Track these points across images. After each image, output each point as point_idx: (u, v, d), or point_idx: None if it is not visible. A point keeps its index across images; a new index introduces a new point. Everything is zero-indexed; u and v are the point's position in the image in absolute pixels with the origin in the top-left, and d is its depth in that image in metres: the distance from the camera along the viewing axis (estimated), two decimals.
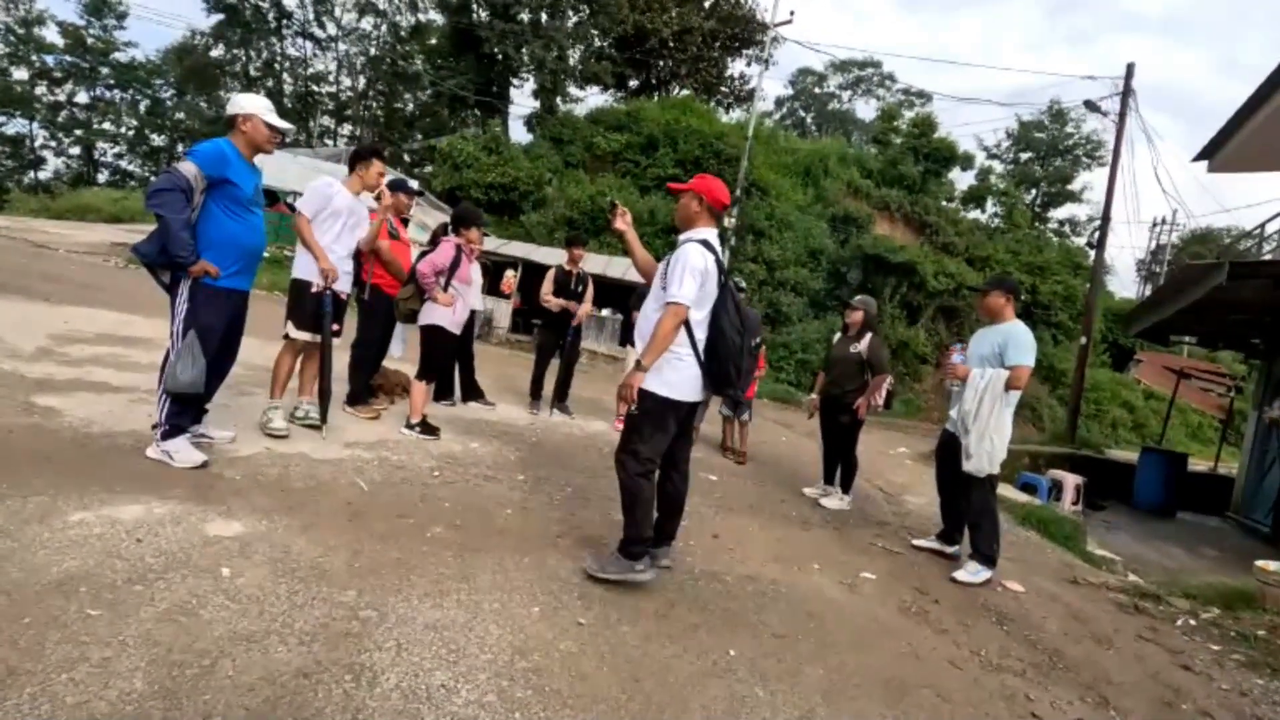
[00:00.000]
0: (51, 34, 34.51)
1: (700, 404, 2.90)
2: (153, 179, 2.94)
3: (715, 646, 2.41)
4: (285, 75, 35.40)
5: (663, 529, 2.95)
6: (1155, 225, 34.24)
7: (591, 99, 25.59)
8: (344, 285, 4.06)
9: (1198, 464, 12.90)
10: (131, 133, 37.64)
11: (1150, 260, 35.87)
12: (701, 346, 2.74)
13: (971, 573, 3.72)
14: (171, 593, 2.03)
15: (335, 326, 3.93)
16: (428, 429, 4.48)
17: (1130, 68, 13.86)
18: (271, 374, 3.84)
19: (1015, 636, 3.11)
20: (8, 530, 2.19)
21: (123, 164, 38.61)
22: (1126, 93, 13.81)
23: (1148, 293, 26.93)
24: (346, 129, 36.56)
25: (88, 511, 2.44)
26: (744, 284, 6.52)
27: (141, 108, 37.69)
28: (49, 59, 34.80)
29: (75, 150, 37.17)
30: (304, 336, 3.84)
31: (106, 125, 37.10)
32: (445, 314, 4.48)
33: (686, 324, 2.71)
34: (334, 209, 3.86)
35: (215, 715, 1.56)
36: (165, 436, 3.05)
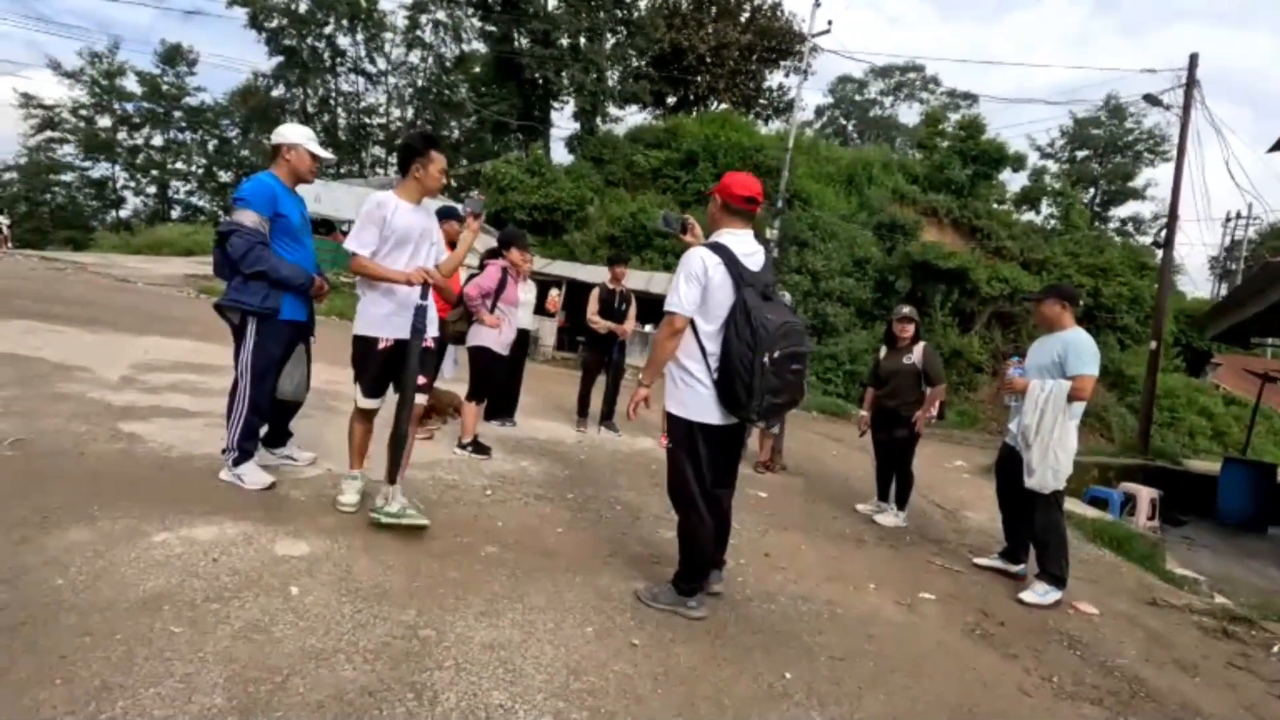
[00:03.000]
0: (130, 83, 37.35)
1: (740, 425, 2.66)
2: (231, 244, 3.13)
3: (771, 669, 2.37)
4: (339, 110, 37.23)
5: (717, 554, 2.88)
6: (1228, 220, 32.30)
7: (631, 118, 25.97)
8: (433, 330, 3.23)
9: None
10: (201, 170, 40.20)
11: (1224, 258, 33.79)
12: (715, 363, 2.52)
13: (1040, 594, 3.55)
14: (245, 611, 2.13)
15: (422, 379, 3.08)
16: (479, 448, 4.58)
17: (1193, 58, 13.21)
18: (348, 442, 3.24)
19: (1090, 662, 2.94)
20: (100, 550, 2.35)
21: (194, 200, 41.24)
22: (1190, 84, 13.16)
23: (1223, 292, 25.36)
24: (396, 157, 38.08)
25: (169, 532, 2.59)
26: (788, 296, 6.45)
27: (210, 147, 40.25)
28: (129, 106, 37.63)
29: (151, 189, 39.91)
30: (373, 404, 3.13)
31: (179, 165, 39.75)
32: (491, 335, 4.60)
33: (697, 338, 2.54)
34: (396, 233, 2.95)
35: None
36: (236, 462, 3.24)
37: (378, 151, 37.44)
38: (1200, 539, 8.27)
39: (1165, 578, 4.74)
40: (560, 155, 24.05)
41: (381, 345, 3.01)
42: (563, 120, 26.00)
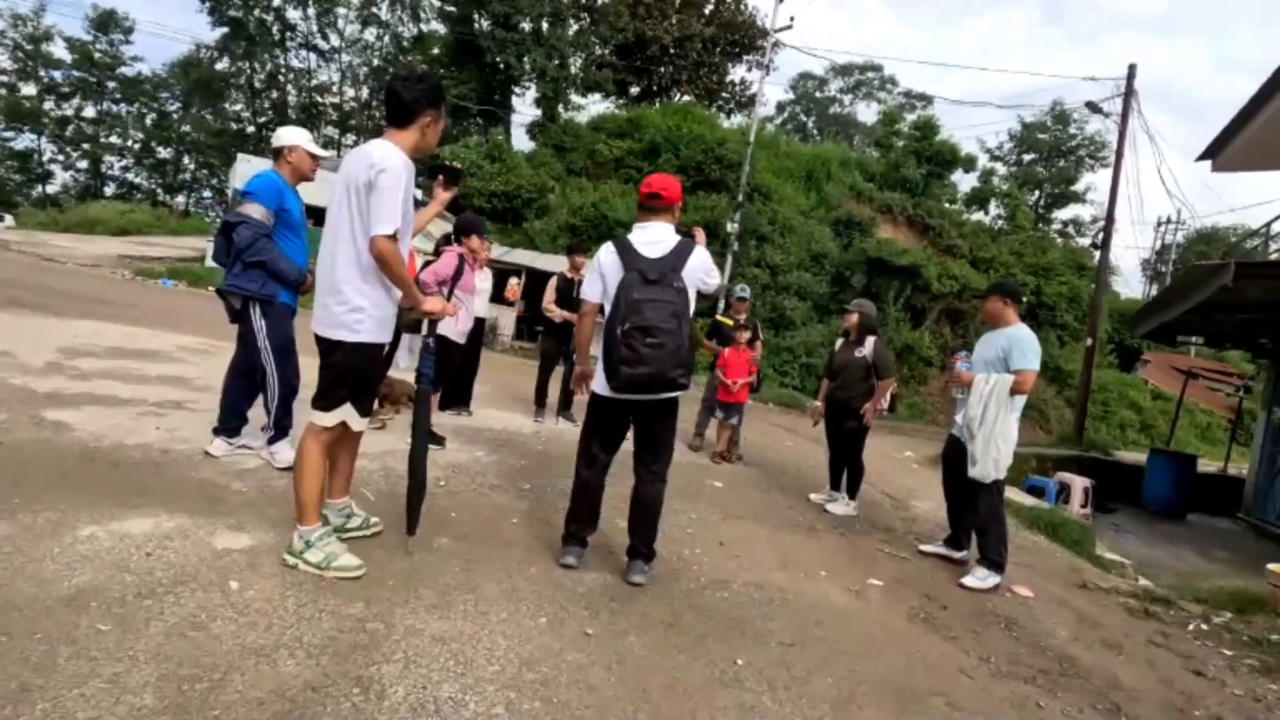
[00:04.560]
0: (59, 49, 35.01)
1: (647, 403, 2.79)
2: (239, 233, 3.17)
3: (723, 656, 2.40)
4: (289, 87, 35.76)
5: (632, 538, 2.91)
6: (1160, 225, 34.17)
7: (593, 106, 25.72)
8: (466, 324, 3.26)
9: (1207, 465, 12.82)
10: (138, 146, 38.06)
11: (1155, 260, 35.75)
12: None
13: (980, 578, 3.70)
14: (181, 607, 2.04)
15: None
16: (434, 438, 4.48)
17: (1132, 69, 13.86)
18: (298, 485, 2.44)
19: (1025, 643, 3.09)
20: (20, 545, 2.21)
21: (129, 177, 39.03)
22: (1129, 93, 13.81)
23: (1153, 293, 26.83)
24: (350, 139, 36.82)
25: (98, 526, 2.45)
26: (746, 290, 6.52)
27: (148, 121, 38.11)
28: (56, 74, 35.28)
29: (83, 164, 37.61)
30: (363, 426, 2.58)
31: (114, 139, 37.56)
32: (449, 323, 4.50)
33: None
34: (407, 208, 2.45)
35: None
36: (271, 440, 3.47)
37: (330, 132, 36.13)
38: (1127, 525, 8.77)
39: (1095, 562, 5.01)
40: (521, 142, 23.73)
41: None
42: (524, 106, 25.71)
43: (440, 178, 3.08)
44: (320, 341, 2.46)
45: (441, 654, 2.05)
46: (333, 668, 1.88)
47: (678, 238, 2.85)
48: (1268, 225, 10.31)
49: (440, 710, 1.79)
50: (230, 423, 3.57)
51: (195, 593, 2.14)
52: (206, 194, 42.10)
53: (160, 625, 1.93)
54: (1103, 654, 3.13)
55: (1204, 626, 3.72)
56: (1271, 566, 4.25)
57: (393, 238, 2.31)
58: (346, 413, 2.45)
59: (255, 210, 3.25)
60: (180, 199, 40.37)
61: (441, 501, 3.46)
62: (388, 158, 2.31)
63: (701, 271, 2.83)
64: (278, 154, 3.44)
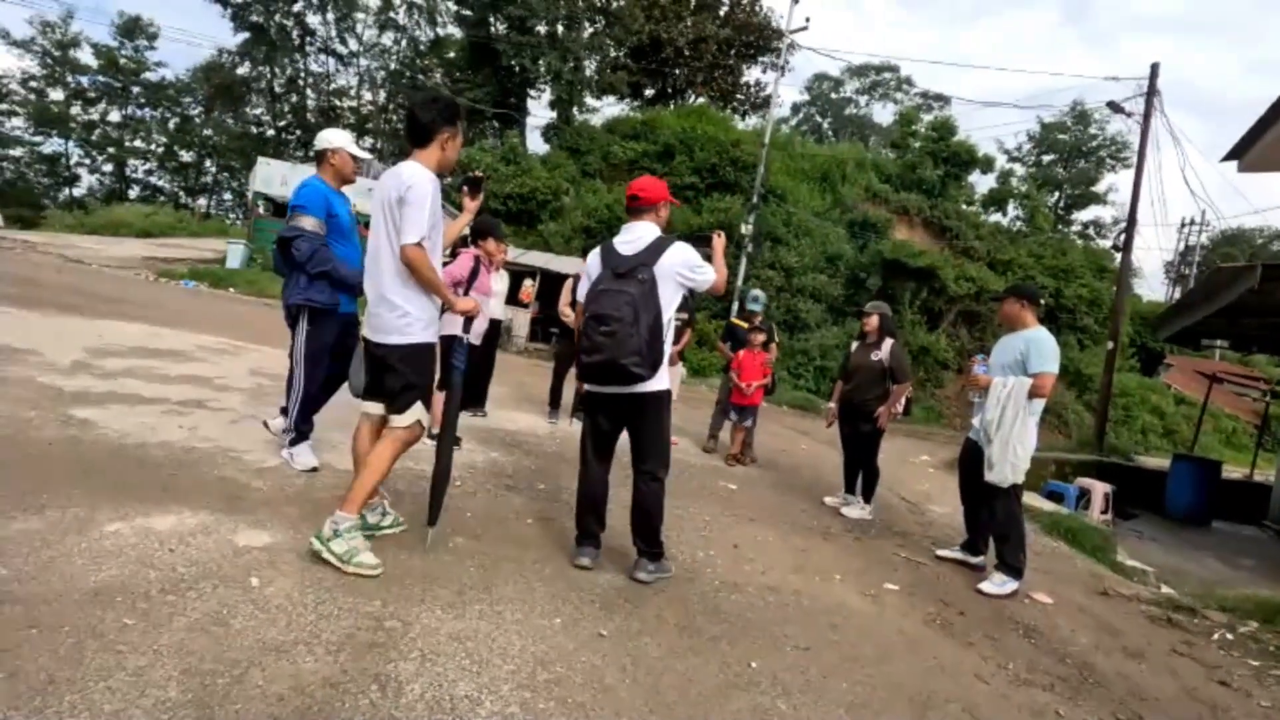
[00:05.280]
0: (86, 55, 35.76)
1: (626, 399, 2.80)
2: (297, 247, 3.32)
3: (737, 659, 2.40)
4: (308, 91, 36.21)
5: (634, 537, 2.94)
6: (1183, 226, 33.55)
7: (607, 109, 25.80)
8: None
9: (1232, 471, 12.55)
10: (161, 149, 38.72)
11: (1179, 262, 35.10)
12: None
13: (998, 584, 3.66)
14: (203, 602, 2.08)
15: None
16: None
17: (1154, 68, 13.63)
18: (360, 476, 2.59)
19: (1044, 650, 3.05)
20: (48, 540, 2.26)
21: (153, 180, 39.75)
22: (1151, 93, 13.59)
23: (1176, 295, 26.32)
24: (368, 141, 37.23)
25: (123, 522, 2.50)
26: (759, 301, 6.50)
27: (171, 125, 38.79)
28: (84, 80, 36.00)
29: (108, 167, 38.35)
30: (429, 421, 2.78)
31: (138, 143, 38.23)
32: (460, 323, 4.53)
33: None
34: (437, 218, 2.64)
35: None
36: (292, 442, 3.51)
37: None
38: (1149, 532, 8.61)
39: (1115, 569, 4.93)
40: (536, 145, 23.82)
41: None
42: (539, 109, 25.84)
43: (465, 188, 3.21)
44: (377, 348, 2.66)
45: (457, 652, 2.07)
46: (351, 664, 1.90)
47: (656, 234, 2.89)
48: None
49: (456, 708, 1.80)
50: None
51: (217, 589, 2.17)
52: (227, 196, 42.79)
53: (183, 620, 1.96)
54: (1124, 662, 3.08)
55: (1229, 636, 3.65)
56: None
57: (419, 245, 2.52)
58: (419, 411, 2.66)
59: (308, 222, 3.35)
60: (201, 201, 41.08)
61: (457, 502, 3.48)
62: (415, 175, 2.55)
63: (681, 266, 2.82)
64: (320, 157, 3.49)
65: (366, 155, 3.56)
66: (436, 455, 2.81)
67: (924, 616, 3.18)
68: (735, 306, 12.21)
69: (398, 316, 2.59)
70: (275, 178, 17.09)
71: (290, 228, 3.38)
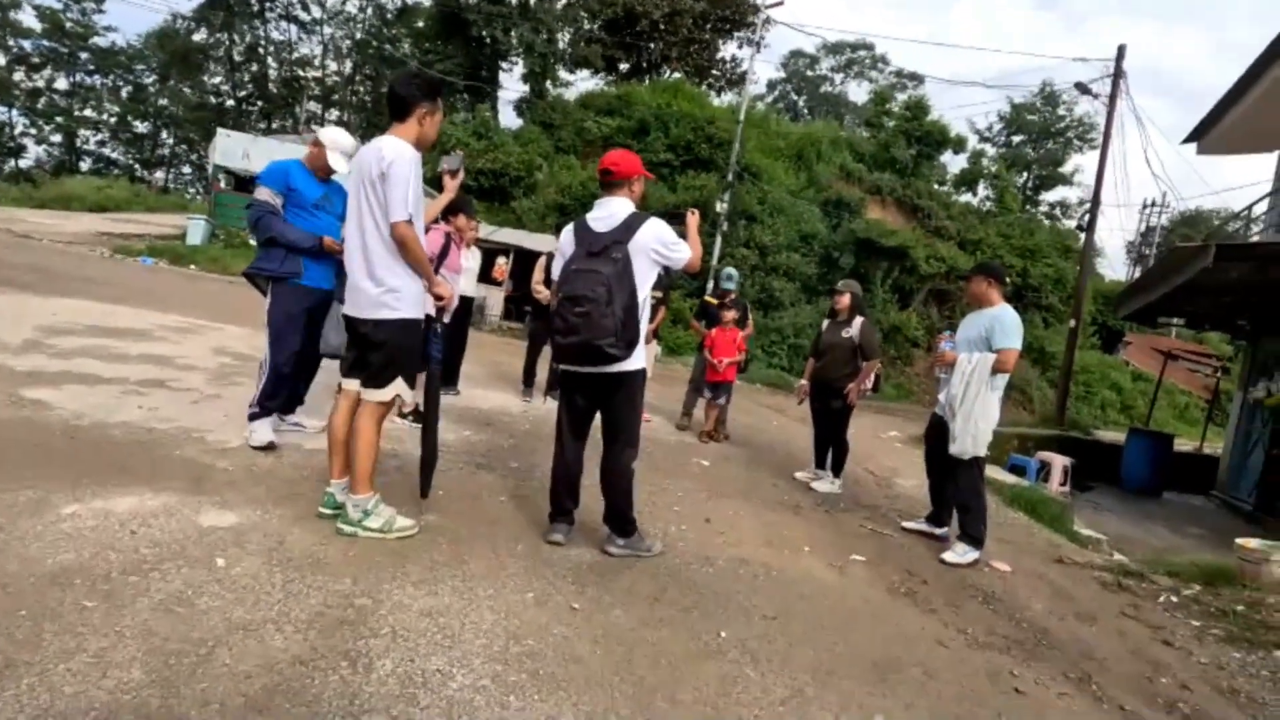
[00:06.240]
0: (28, 18, 33.82)
1: (603, 378, 2.80)
2: (247, 216, 3.63)
3: (707, 629, 2.45)
4: (270, 59, 34.90)
5: (606, 514, 2.99)
6: (1145, 208, 34.42)
7: (581, 83, 25.39)
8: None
9: (1184, 444, 13.09)
10: (114, 119, 37.02)
11: (1140, 243, 36.07)
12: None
13: (959, 554, 3.78)
14: (167, 584, 2.04)
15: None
16: (419, 417, 4.48)
17: (1121, 50, 13.85)
18: (356, 457, 2.62)
19: (1001, 615, 3.17)
20: (1, 524, 2.20)
21: (106, 151, 38.04)
22: (1118, 75, 13.82)
23: (1137, 275, 27.08)
24: (334, 114, 36.09)
25: (80, 504, 2.44)
26: (732, 280, 6.53)
27: (123, 93, 37.05)
28: (26, 44, 34.10)
29: (56, 138, 36.61)
30: (412, 397, 2.83)
31: (88, 112, 36.47)
32: (431, 301, 4.47)
33: None
34: (418, 194, 2.62)
35: (213, 703, 1.58)
36: (251, 417, 3.45)
37: (313, 107, 35.35)
38: (1105, 503, 8.97)
39: (1072, 538, 5.13)
40: (509, 119, 23.35)
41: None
42: (511, 82, 25.18)
43: (444, 168, 3.21)
44: (360, 324, 2.65)
45: (429, 628, 2.08)
46: (320, 642, 1.90)
47: (630, 210, 2.84)
48: (1249, 208, 10.42)
49: (428, 682, 1.81)
50: (284, 401, 3.78)
51: (181, 569, 2.14)
52: (186, 170, 41.21)
53: (146, 601, 1.93)
54: (1076, 626, 3.22)
55: (1174, 599, 3.84)
56: (1239, 541, 4.37)
57: (409, 222, 2.54)
58: (399, 386, 2.68)
59: (261, 193, 3.45)
60: (159, 175, 39.50)
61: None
62: (396, 150, 2.54)
63: (656, 243, 2.79)
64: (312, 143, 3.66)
65: (342, 168, 3.53)
66: (423, 434, 2.94)
67: (889, 586, 3.28)
68: (711, 285, 12.24)
69: (385, 292, 2.59)
70: (236, 150, 16.46)
71: (251, 201, 3.53)
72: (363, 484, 2.63)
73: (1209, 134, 10.61)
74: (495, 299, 14.25)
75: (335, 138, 3.56)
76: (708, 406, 6.06)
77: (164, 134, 39.59)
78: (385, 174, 2.50)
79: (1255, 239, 9.79)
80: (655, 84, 22.16)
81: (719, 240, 15.88)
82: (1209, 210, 34.84)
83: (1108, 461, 10.90)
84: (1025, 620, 3.15)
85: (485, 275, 13.01)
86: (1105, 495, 9.63)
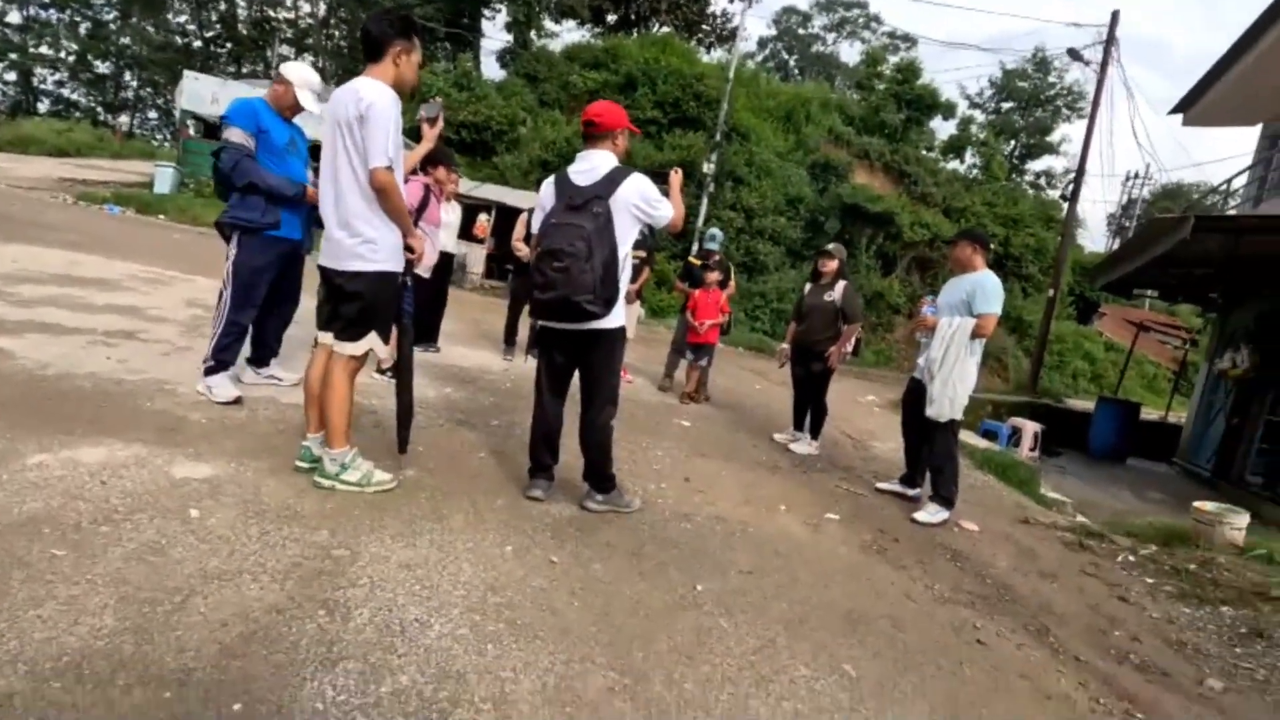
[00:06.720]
0: None
1: (582, 335, 2.76)
2: (220, 159, 3.27)
3: (684, 582, 2.50)
4: (239, 0, 33.13)
5: (585, 472, 2.99)
6: (1128, 179, 34.61)
7: (567, 34, 24.56)
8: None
9: (1150, 413, 13.49)
10: (73, 58, 35.09)
11: (1121, 215, 36.40)
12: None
13: (931, 514, 3.88)
14: (139, 533, 2.02)
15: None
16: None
17: (1115, 15, 13.68)
18: (329, 411, 2.59)
19: (968, 572, 3.28)
20: None
21: (65, 93, 36.18)
22: (1109, 41, 13.68)
23: (1116, 247, 27.41)
24: (308, 59, 34.54)
25: (47, 454, 2.39)
26: (716, 240, 6.48)
27: (82, 30, 35.03)
28: None
29: (11, 76, 34.67)
30: (387, 353, 2.78)
31: (44, 49, 34.48)
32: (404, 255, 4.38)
33: None
34: (398, 140, 2.49)
35: (188, 650, 1.58)
36: (208, 371, 3.32)
37: (286, 51, 33.79)
38: (1071, 468, 9.26)
39: (1038, 500, 5.30)
40: (491, 70, 22.57)
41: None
42: (494, 31, 24.28)
43: (422, 115, 3.04)
44: (334, 275, 2.57)
45: (407, 579, 2.09)
46: (298, 591, 1.90)
47: (613, 164, 2.77)
48: (1228, 181, 10.54)
49: (406, 631, 1.83)
50: (257, 353, 3.72)
51: (154, 520, 2.11)
52: (152, 115, 39.42)
53: (119, 551, 1.91)
54: (1038, 582, 3.34)
55: (1131, 558, 3.99)
56: (1196, 504, 4.54)
57: (389, 169, 2.44)
58: (373, 341, 2.62)
59: (233, 134, 3.23)
60: (124, 119, 37.75)
61: (410, 437, 3.44)
62: (374, 91, 2.42)
63: (638, 199, 2.73)
64: (274, 79, 3.48)
65: (315, 110, 3.31)
66: (398, 390, 2.87)
67: (861, 543, 3.37)
68: (695, 247, 12.13)
69: (361, 243, 2.50)
70: (204, 95, 15.72)
71: (219, 143, 3.31)
72: (338, 438, 2.60)
73: (1195, 105, 10.62)
74: (477, 257, 14.01)
75: (305, 75, 3.39)
76: (689, 368, 6.07)
77: (127, 75, 37.69)
78: (364, 116, 2.38)
79: (1233, 212, 9.91)
80: (643, 38, 21.49)
81: (705, 202, 15.69)
82: (1190, 184, 35.19)
83: (1076, 429, 11.21)
84: (990, 577, 3.26)
85: (467, 232, 12.75)
86: (1073, 461, 9.93)
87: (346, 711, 1.50)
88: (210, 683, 1.49)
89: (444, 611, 1.96)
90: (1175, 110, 11.07)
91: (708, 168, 15.72)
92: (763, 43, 42.84)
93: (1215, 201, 11.56)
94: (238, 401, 3.31)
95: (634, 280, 5.87)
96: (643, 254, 5.95)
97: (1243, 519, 4.30)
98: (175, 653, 1.56)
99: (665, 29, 23.33)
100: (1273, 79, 9.09)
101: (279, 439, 3.00)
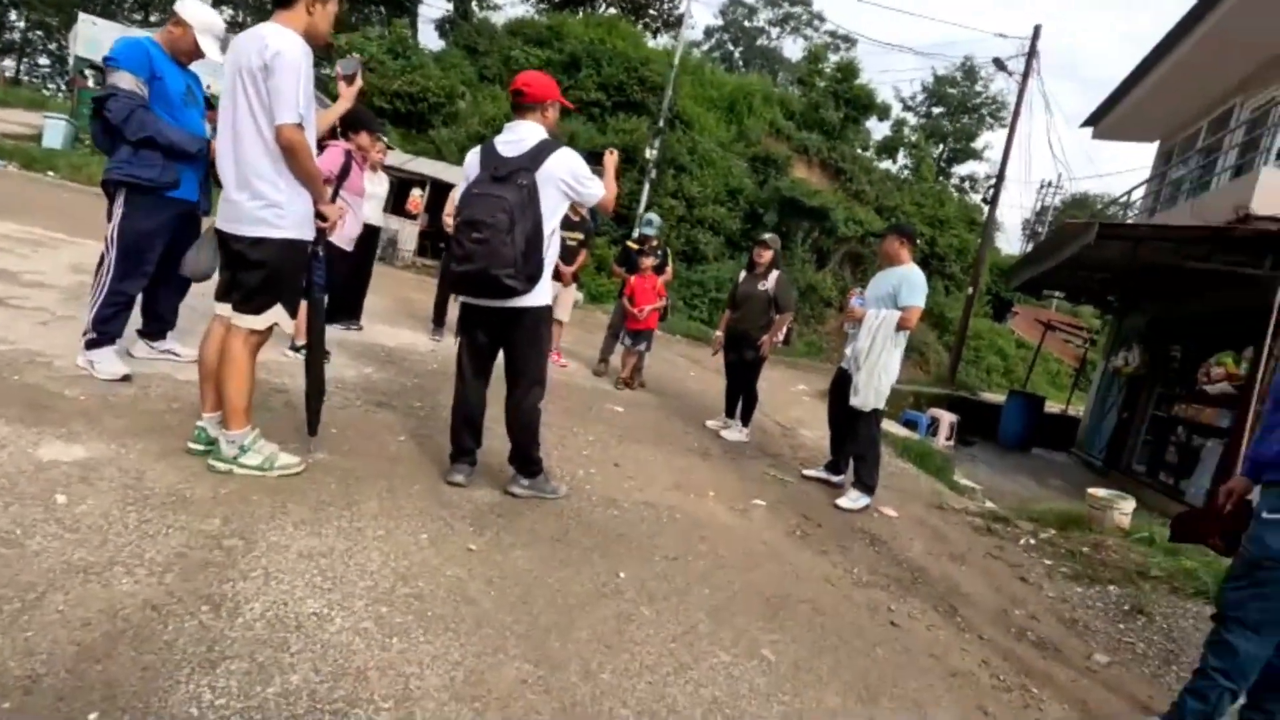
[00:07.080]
0: None
1: (508, 313, 2.66)
2: (109, 108, 2.86)
3: (607, 569, 2.45)
4: None
5: (511, 455, 2.90)
6: (1042, 187, 36.95)
7: (511, 8, 23.79)
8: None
9: (1053, 407, 14.49)
10: None
11: (1034, 220, 38.82)
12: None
13: (853, 500, 4.00)
14: None
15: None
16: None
17: (1037, 29, 14.44)
18: (228, 390, 2.38)
19: (885, 556, 3.39)
20: None
21: None
22: (1031, 54, 14.43)
23: (1029, 249, 29.20)
24: (227, 12, 32.03)
25: None
26: (652, 225, 6.40)
27: None
28: None
29: None
30: (293, 328, 2.65)
31: None
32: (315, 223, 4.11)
33: None
34: (309, 96, 2.33)
35: (38, 653, 1.40)
36: (90, 344, 3.00)
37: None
38: (982, 456, 9.81)
39: (952, 487, 5.56)
40: (429, 39, 21.61)
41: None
42: None
43: (339, 72, 2.83)
44: (234, 240, 2.35)
45: (308, 570, 1.94)
46: (179, 585, 1.73)
47: (541, 136, 2.67)
48: (1128, 193, 11.35)
49: (302, 625, 1.70)
50: (151, 325, 3.39)
51: (10, 507, 1.88)
52: (43, 61, 35.67)
53: None
54: (948, 565, 3.50)
55: (1032, 541, 4.25)
56: (1090, 491, 4.89)
57: (299, 125, 2.24)
58: (278, 314, 2.41)
59: (123, 79, 2.86)
60: (9, 63, 33.95)
61: (323, 417, 3.23)
62: (282, 40, 2.20)
63: (566, 174, 2.63)
64: (168, 19, 3.09)
65: (218, 58, 2.95)
66: (307, 367, 2.69)
67: (786, 529, 3.42)
68: (636, 232, 12.07)
69: (265, 206, 2.29)
70: (103, 42, 14.21)
71: (105, 88, 2.90)
72: (237, 418, 2.39)
73: (1104, 120, 11.36)
74: (410, 233, 13.44)
75: (206, 17, 3.04)
76: (626, 354, 6.02)
77: (13, 15, 33.89)
78: (269, 66, 2.17)
79: (1131, 221, 10.69)
80: (589, 18, 21.07)
81: (646, 188, 15.61)
82: (1096, 194, 37.86)
83: (988, 420, 11.89)
84: (905, 560, 3.39)
85: (399, 207, 12.21)
86: (984, 449, 10.53)
87: (225, 716, 1.37)
88: (63, 690, 1.33)
89: (347, 604, 1.83)
90: (1086, 123, 11.81)
91: (650, 154, 15.63)
92: (709, 32, 42.95)
93: (1116, 212, 12.45)
94: (126, 379, 3.01)
95: (571, 263, 5.75)
96: (580, 236, 5.84)
97: (1129, 504, 4.65)
98: (22, 657, 1.38)
99: (612, 10, 22.97)
100: (1167, 101, 9.84)
101: (171, 419, 2.75)
